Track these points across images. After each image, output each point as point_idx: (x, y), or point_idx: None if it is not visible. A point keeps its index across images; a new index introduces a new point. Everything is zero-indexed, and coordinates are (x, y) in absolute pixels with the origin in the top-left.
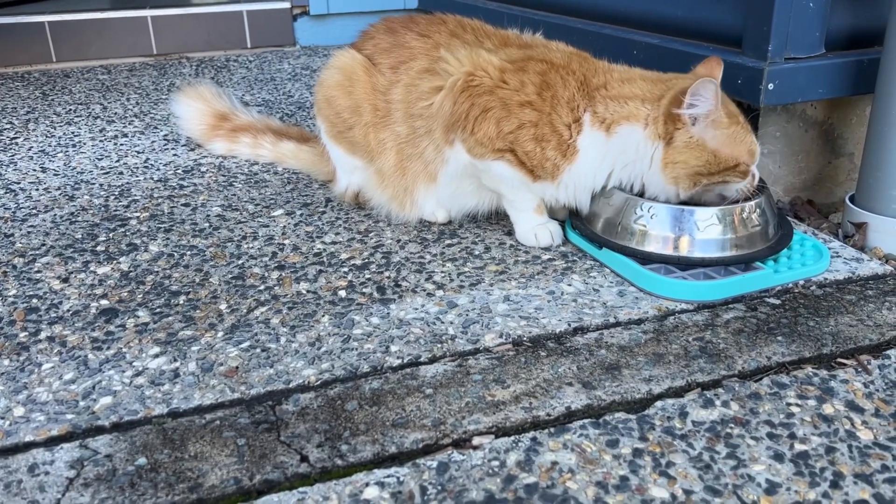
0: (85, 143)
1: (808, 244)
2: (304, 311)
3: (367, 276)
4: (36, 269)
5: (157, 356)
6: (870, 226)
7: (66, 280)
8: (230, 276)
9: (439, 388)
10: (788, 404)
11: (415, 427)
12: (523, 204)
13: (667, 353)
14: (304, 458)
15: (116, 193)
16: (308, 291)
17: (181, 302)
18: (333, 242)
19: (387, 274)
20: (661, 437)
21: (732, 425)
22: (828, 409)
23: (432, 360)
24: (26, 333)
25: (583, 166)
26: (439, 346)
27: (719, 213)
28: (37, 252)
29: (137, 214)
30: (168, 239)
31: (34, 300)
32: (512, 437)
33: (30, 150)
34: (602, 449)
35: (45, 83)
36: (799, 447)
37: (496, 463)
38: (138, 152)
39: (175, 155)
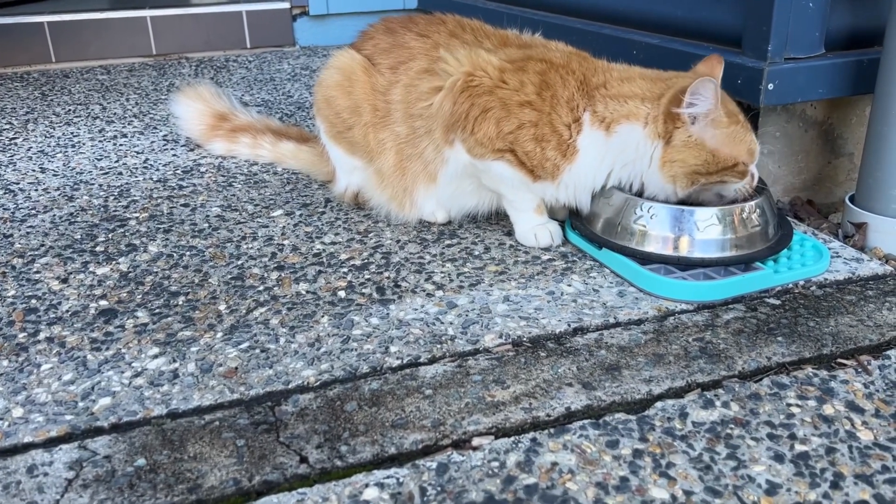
0: (84, 144)
1: (807, 244)
2: (304, 311)
3: (367, 276)
4: (35, 269)
5: (156, 357)
6: (870, 226)
7: (65, 281)
8: (229, 276)
9: (439, 388)
10: (788, 405)
11: (414, 428)
12: (523, 204)
13: (667, 354)
14: (303, 459)
15: (116, 194)
16: (307, 292)
17: (180, 302)
18: (333, 243)
19: (386, 274)
20: (661, 438)
21: (732, 426)
22: (828, 409)
23: (432, 361)
24: (25, 334)
25: (583, 166)
26: (439, 346)
27: (719, 214)
28: (36, 252)
29: (137, 215)
30: (167, 239)
31: (33, 301)
32: (512, 438)
33: (29, 150)
34: (602, 450)
35: (45, 83)
36: (799, 448)
37: (496, 464)
38: (137, 153)
39: (174, 155)
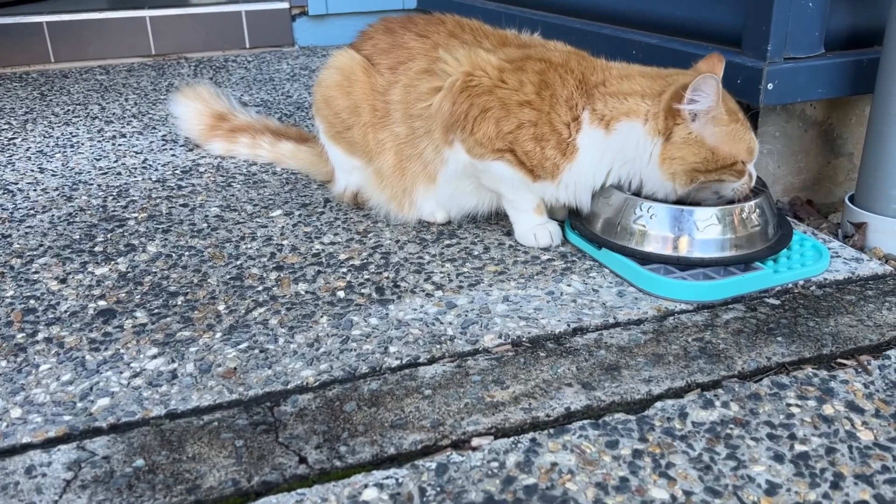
0: (83, 144)
1: (807, 244)
2: (303, 311)
3: (366, 276)
4: (33, 269)
5: (154, 357)
6: (869, 226)
7: (63, 281)
8: (228, 276)
9: (438, 388)
10: (788, 405)
11: (414, 428)
12: (523, 204)
13: (666, 354)
14: (302, 460)
15: (114, 194)
16: (307, 292)
17: (179, 303)
18: (332, 243)
19: (385, 274)
20: (660, 438)
21: (732, 426)
22: (828, 409)
23: (431, 361)
24: (24, 334)
25: (583, 164)
26: (438, 346)
27: (719, 214)
28: (34, 253)
29: (135, 215)
30: (166, 239)
31: (32, 301)
32: (511, 438)
33: (28, 150)
34: (602, 450)
35: (44, 83)
36: (799, 448)
37: (495, 464)
38: (136, 153)
39: (173, 155)
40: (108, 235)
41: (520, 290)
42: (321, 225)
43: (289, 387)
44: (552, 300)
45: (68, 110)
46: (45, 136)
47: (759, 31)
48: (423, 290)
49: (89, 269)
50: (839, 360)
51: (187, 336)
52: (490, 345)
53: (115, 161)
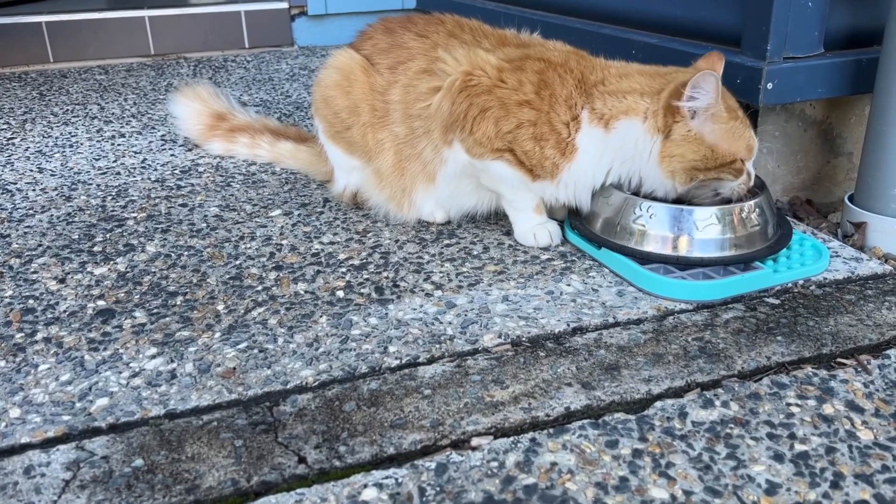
0: (82, 144)
1: (807, 244)
2: (302, 311)
3: (366, 276)
4: (32, 269)
5: (154, 357)
6: (869, 225)
7: (62, 281)
8: (228, 276)
9: (438, 388)
10: (788, 404)
11: (413, 428)
12: (522, 204)
13: (666, 354)
14: (301, 460)
15: (114, 194)
16: (306, 292)
17: (178, 303)
18: (331, 243)
19: (385, 274)
20: (660, 438)
21: (732, 426)
22: (828, 409)
23: (431, 361)
24: (22, 334)
25: (582, 164)
26: (438, 346)
27: (718, 213)
28: (33, 253)
29: (135, 215)
30: (165, 239)
31: (30, 301)
32: (511, 438)
33: (27, 150)
34: (601, 449)
35: (43, 83)
36: (799, 447)
37: (495, 464)
38: (136, 152)
39: (172, 155)
40: (107, 235)
41: (519, 290)
42: (320, 225)
43: (288, 387)
44: (552, 300)
45: (67, 110)
46: (43, 136)
47: (759, 31)
48: (423, 290)
49: (88, 269)
50: (839, 360)
51: (186, 336)
52: (490, 344)
53: (114, 161)
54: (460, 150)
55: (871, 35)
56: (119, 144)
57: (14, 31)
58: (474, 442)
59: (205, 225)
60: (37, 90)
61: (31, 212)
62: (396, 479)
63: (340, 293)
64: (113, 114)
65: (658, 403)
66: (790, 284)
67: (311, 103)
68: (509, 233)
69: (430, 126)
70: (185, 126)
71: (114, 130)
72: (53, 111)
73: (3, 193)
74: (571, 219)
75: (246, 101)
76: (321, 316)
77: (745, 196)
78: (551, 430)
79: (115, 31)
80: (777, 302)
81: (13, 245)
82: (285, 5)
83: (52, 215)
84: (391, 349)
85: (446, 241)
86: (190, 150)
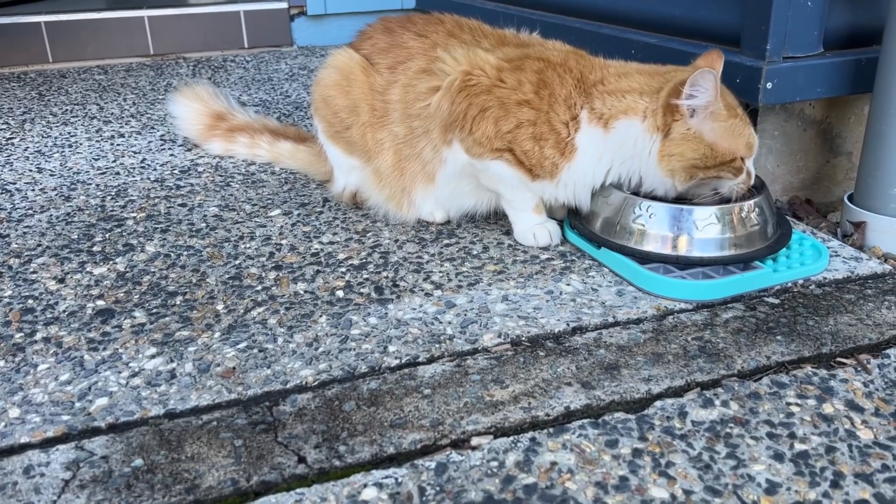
0: (81, 144)
1: (806, 243)
2: (302, 311)
3: (365, 276)
4: (32, 269)
5: (153, 357)
6: (868, 225)
7: (62, 281)
8: (227, 276)
9: (438, 388)
10: (788, 404)
11: (413, 427)
12: (522, 203)
13: (666, 353)
14: (301, 459)
15: (113, 194)
16: (305, 292)
17: (178, 302)
18: (331, 242)
19: (385, 274)
20: (660, 437)
21: (732, 425)
22: (827, 408)
23: (430, 361)
24: (22, 334)
25: (582, 164)
26: (437, 346)
27: (718, 213)
28: (33, 252)
29: (134, 215)
30: (165, 239)
31: (30, 301)
32: (511, 438)
33: (26, 150)
34: (601, 449)
35: (42, 83)
36: (799, 447)
37: (495, 463)
38: (135, 152)
39: (172, 155)
40: (107, 235)
41: (519, 290)
42: (320, 224)
43: (288, 386)
44: (551, 299)
45: (66, 110)
46: (43, 136)
47: (758, 31)
48: (423, 290)
49: (88, 269)
50: (839, 359)
51: (186, 336)
52: (489, 344)
53: (114, 161)
54: (460, 150)
55: (871, 34)
56: (118, 144)
57: (13, 31)
58: (474, 441)
59: (204, 225)
60: (36, 90)
61: (30, 212)
62: (396, 479)
63: (340, 293)
64: (112, 114)
65: (658, 403)
66: (790, 284)
67: (310, 103)
68: (509, 232)
69: (429, 126)
70: (184, 126)
71: (113, 130)
72: (52, 111)
73: (2, 193)
74: (571, 218)
75: (245, 101)
76: (321, 316)
77: (745, 195)
78: (551, 430)
79: (115, 31)
80: (777, 301)
81: (12, 245)
82: (284, 5)
83: (51, 215)
84: (391, 349)
85: (446, 241)
86: (189, 150)
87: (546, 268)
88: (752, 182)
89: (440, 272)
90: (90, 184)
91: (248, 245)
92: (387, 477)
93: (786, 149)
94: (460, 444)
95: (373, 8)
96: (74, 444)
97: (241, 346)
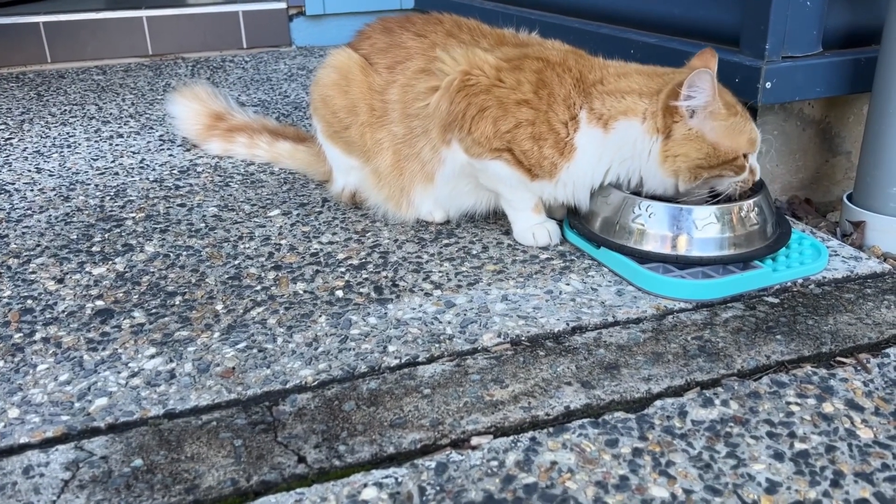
0: (80, 144)
1: (806, 243)
2: (301, 311)
3: (365, 275)
4: (31, 269)
5: (152, 357)
6: (868, 224)
7: (61, 281)
8: (226, 276)
9: (437, 388)
10: (788, 403)
11: (413, 427)
12: (521, 203)
13: (666, 353)
14: (301, 459)
15: (112, 194)
16: (305, 291)
17: (177, 302)
18: (330, 242)
19: (384, 274)
20: (660, 437)
21: (732, 424)
22: (827, 407)
23: (430, 360)
24: (21, 335)
25: (581, 164)
26: (437, 345)
27: (717, 212)
28: (32, 253)
29: (133, 215)
30: (164, 239)
31: (29, 301)
32: (511, 437)
33: (25, 150)
34: (601, 448)
35: (40, 84)
36: (799, 446)
37: (495, 463)
38: (134, 153)
39: (171, 155)
40: (106, 235)
41: (518, 289)
42: (319, 224)
43: (287, 386)
44: (551, 299)
45: (65, 110)
46: (41, 137)
47: (758, 30)
48: (422, 290)
49: (87, 269)
50: (838, 359)
51: (185, 336)
52: (489, 344)
53: (113, 161)
54: (459, 150)
55: (870, 34)
56: (117, 145)
57: (12, 31)
58: (474, 441)
59: (203, 225)
60: (35, 90)
61: (29, 212)
62: (396, 479)
63: (339, 293)
64: (111, 114)
65: (658, 402)
66: (789, 283)
67: (309, 103)
68: (508, 232)
69: (428, 126)
70: (183, 126)
71: (112, 131)
72: (51, 111)
73: (1, 194)
74: (570, 218)
75: (244, 101)
76: (320, 315)
77: (745, 194)
78: (551, 429)
79: (113, 31)
80: (776, 301)
81: (11, 245)
82: (283, 5)
83: (50, 215)
84: (390, 349)
85: (445, 241)
86: (188, 150)
87: (545, 267)
88: (757, 178)
89: (440, 272)
90: (89, 184)
91: (247, 245)
92: (387, 477)
93: (785, 148)
94: (460, 443)
95: (371, 8)
96: (74, 445)
97: (241, 346)
